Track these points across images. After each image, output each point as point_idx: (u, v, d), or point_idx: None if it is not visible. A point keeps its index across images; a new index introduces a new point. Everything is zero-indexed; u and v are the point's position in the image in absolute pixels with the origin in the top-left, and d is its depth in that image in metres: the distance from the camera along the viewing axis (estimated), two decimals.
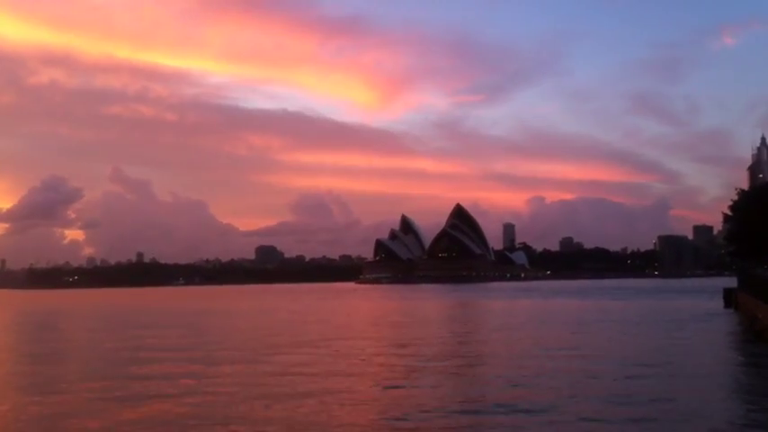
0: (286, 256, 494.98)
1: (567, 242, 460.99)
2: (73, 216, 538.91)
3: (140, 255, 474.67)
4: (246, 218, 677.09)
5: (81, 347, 43.93)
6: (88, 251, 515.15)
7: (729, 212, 74.05)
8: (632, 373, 26.11)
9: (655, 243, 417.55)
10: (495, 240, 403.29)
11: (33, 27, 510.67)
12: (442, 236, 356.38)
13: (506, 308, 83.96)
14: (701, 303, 76.96)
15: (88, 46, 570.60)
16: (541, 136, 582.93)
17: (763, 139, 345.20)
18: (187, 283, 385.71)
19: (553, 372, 27.04)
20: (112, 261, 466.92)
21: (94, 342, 46.60)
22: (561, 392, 22.15)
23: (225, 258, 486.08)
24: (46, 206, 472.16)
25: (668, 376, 25.68)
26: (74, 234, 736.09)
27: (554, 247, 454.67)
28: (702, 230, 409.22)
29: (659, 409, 19.63)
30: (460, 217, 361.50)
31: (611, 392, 22.24)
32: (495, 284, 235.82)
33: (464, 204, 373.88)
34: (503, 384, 24.44)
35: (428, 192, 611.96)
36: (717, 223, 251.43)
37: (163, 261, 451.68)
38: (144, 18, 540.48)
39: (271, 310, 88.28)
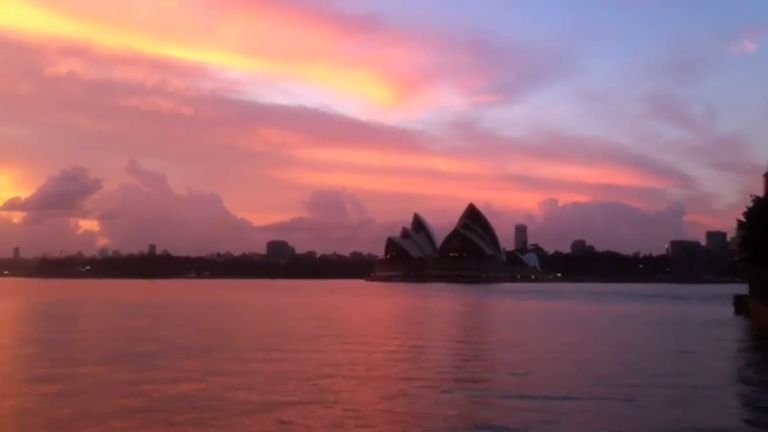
0: (297, 251, 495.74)
1: (578, 245, 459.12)
2: (90, 207, 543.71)
3: (152, 247, 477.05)
4: (260, 213, 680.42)
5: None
6: (102, 242, 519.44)
7: (744, 219, 72.90)
8: (643, 381, 25.56)
9: (667, 248, 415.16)
10: (507, 241, 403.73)
11: (53, 18, 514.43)
12: (454, 235, 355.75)
13: (518, 310, 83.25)
14: (711, 310, 76.21)
15: (107, 38, 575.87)
16: (557, 138, 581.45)
17: None
18: (198, 277, 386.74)
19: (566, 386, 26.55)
20: (125, 252, 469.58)
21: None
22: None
23: (237, 252, 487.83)
24: (64, 196, 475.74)
25: (679, 384, 25.00)
26: (88, 224, 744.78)
27: (566, 249, 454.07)
28: (716, 236, 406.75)
29: (672, 416, 19.15)
30: (472, 217, 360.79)
31: (620, 400, 21.72)
32: (506, 285, 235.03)
33: (477, 205, 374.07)
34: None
35: (442, 191, 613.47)
36: (731, 230, 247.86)
37: (175, 254, 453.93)
38: (163, 11, 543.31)
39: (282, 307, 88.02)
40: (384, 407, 20.18)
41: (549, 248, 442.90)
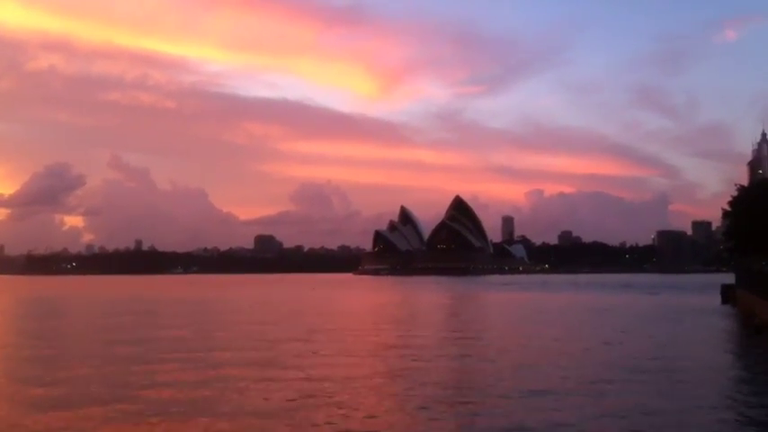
0: (285, 245, 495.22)
1: (565, 236, 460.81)
2: (74, 203, 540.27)
3: (139, 242, 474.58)
4: (246, 207, 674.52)
5: None
6: (87, 238, 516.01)
7: (729, 208, 73.47)
8: (633, 367, 25.83)
9: (653, 238, 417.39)
10: (494, 233, 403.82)
11: (33, 12, 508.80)
12: (441, 228, 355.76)
13: (506, 302, 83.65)
14: (699, 299, 76.73)
15: (87, 32, 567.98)
16: (542, 128, 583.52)
17: (763, 134, 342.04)
18: (185, 272, 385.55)
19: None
20: (111, 248, 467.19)
21: None
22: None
23: (224, 247, 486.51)
24: (48, 192, 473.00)
25: (669, 371, 25.33)
26: (73, 221, 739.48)
27: (553, 240, 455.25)
28: (701, 226, 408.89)
29: (660, 405, 19.30)
30: (460, 209, 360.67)
31: (610, 388, 21.93)
32: (494, 277, 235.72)
33: (464, 197, 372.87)
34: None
35: (428, 183, 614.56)
36: (716, 219, 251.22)
37: (162, 249, 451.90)
38: (144, 5, 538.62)
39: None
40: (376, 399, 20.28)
41: (536, 240, 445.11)
